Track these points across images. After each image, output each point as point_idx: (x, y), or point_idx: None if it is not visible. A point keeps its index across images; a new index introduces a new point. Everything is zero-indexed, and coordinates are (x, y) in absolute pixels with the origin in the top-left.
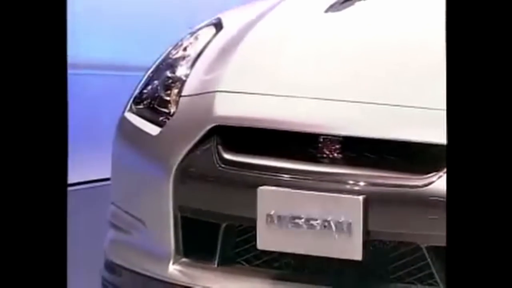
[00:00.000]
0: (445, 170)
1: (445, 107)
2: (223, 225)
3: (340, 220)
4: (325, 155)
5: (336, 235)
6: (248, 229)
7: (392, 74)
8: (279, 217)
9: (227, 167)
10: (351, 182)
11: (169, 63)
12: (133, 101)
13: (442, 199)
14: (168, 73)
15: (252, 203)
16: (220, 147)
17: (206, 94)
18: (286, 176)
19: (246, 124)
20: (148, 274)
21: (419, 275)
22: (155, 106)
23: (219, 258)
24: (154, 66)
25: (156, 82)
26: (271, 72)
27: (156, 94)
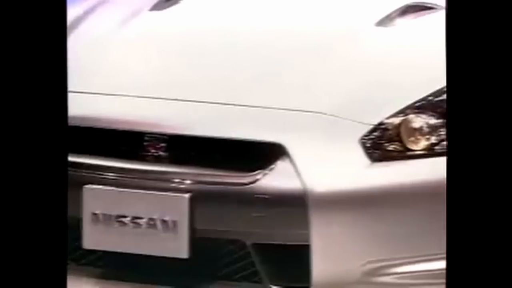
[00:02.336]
0: (270, 167)
1: (275, 106)
2: None
3: (166, 219)
4: (150, 154)
5: (162, 234)
6: (74, 228)
7: (220, 73)
8: (104, 215)
9: None
10: (177, 180)
11: None
12: None
13: (267, 196)
14: None
15: (78, 202)
16: None
17: None
18: (112, 175)
19: (70, 122)
20: None
21: (245, 272)
22: None
23: None
24: None
25: None
26: (96, 71)
27: None
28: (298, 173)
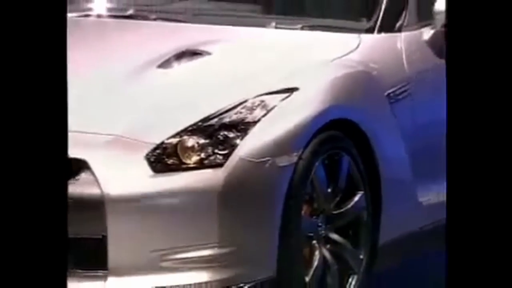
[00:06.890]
0: (76, 178)
1: (81, 130)
2: None
3: None
4: None
5: None
6: None
7: None
8: None
9: None
10: None
11: None
12: None
13: (72, 201)
14: None
15: None
16: None
17: None
18: None
19: None
20: None
21: None
22: None
23: None
24: None
25: None
26: None
27: None
28: (97, 182)
